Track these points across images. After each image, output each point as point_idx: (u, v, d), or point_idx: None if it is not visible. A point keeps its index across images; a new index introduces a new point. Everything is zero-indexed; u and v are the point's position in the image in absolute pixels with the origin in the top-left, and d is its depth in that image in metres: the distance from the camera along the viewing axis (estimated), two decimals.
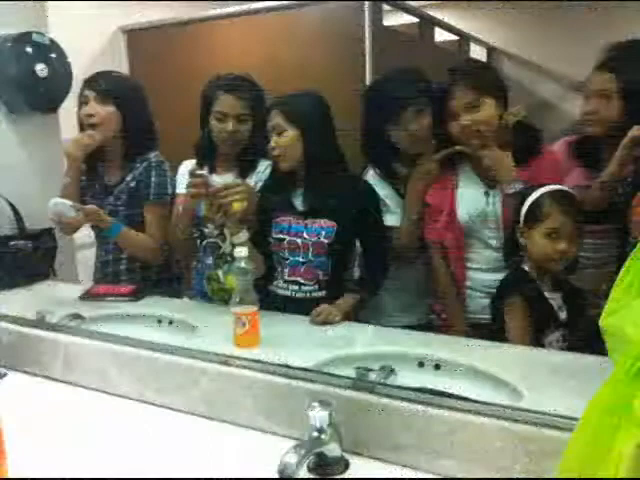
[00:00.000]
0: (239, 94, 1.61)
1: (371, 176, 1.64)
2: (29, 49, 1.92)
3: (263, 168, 1.66)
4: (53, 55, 1.99)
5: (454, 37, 3.26)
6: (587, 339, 1.16)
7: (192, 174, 1.47)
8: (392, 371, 1.16)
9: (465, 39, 3.29)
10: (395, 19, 2.79)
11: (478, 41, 3.35)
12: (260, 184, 1.64)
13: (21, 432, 1.09)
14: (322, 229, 1.51)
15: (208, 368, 1.21)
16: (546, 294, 1.36)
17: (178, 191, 1.74)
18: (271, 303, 1.50)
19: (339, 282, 1.56)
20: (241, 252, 1.26)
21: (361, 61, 2.26)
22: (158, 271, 1.84)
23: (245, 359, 1.20)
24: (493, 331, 1.39)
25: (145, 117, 1.82)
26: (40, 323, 1.50)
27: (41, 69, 1.94)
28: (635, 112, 1.45)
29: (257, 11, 2.55)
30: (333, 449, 0.98)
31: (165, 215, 1.75)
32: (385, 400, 1.02)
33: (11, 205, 1.91)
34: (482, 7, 3.33)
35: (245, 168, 1.68)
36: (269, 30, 2.54)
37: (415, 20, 2.85)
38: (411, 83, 1.58)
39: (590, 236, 1.48)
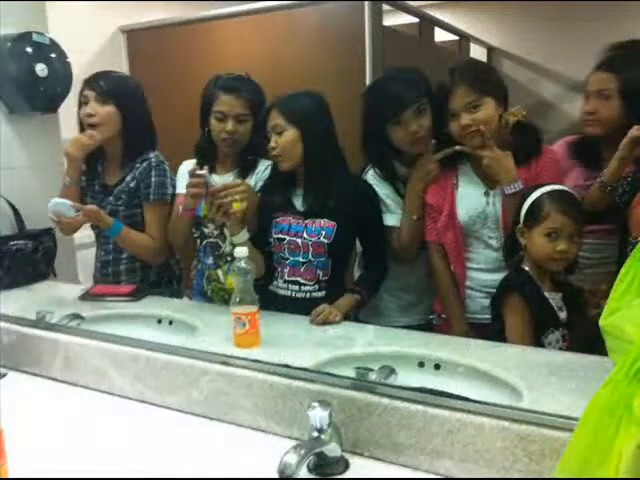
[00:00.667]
0: (239, 94, 1.61)
1: (371, 176, 1.64)
2: (29, 49, 1.93)
3: (263, 168, 1.66)
4: (53, 55, 1.99)
5: (454, 37, 3.26)
6: (587, 339, 1.16)
7: (192, 174, 1.47)
8: (392, 371, 1.16)
9: (465, 39, 3.29)
10: (395, 19, 2.79)
11: (478, 41, 3.35)
12: (260, 184, 1.64)
13: (21, 432, 1.09)
14: (322, 229, 1.51)
15: (208, 368, 1.21)
16: (546, 294, 1.36)
17: (178, 191, 1.74)
18: (271, 303, 1.51)
19: (339, 282, 1.56)
20: (241, 252, 1.26)
21: (361, 61, 2.26)
22: (158, 271, 1.84)
23: (245, 359, 1.20)
24: (493, 331, 1.39)
25: (145, 117, 1.82)
26: (40, 323, 1.50)
27: (41, 69, 1.94)
28: (635, 112, 1.46)
29: (257, 11, 2.54)
30: (333, 449, 0.98)
31: (165, 215, 1.75)
32: (385, 400, 1.02)
33: (11, 205, 1.91)
34: (482, 7, 3.33)
35: (245, 168, 1.68)
36: (269, 30, 2.54)
37: (415, 20, 2.85)
38: (411, 83, 1.58)
39: (590, 236, 1.48)
